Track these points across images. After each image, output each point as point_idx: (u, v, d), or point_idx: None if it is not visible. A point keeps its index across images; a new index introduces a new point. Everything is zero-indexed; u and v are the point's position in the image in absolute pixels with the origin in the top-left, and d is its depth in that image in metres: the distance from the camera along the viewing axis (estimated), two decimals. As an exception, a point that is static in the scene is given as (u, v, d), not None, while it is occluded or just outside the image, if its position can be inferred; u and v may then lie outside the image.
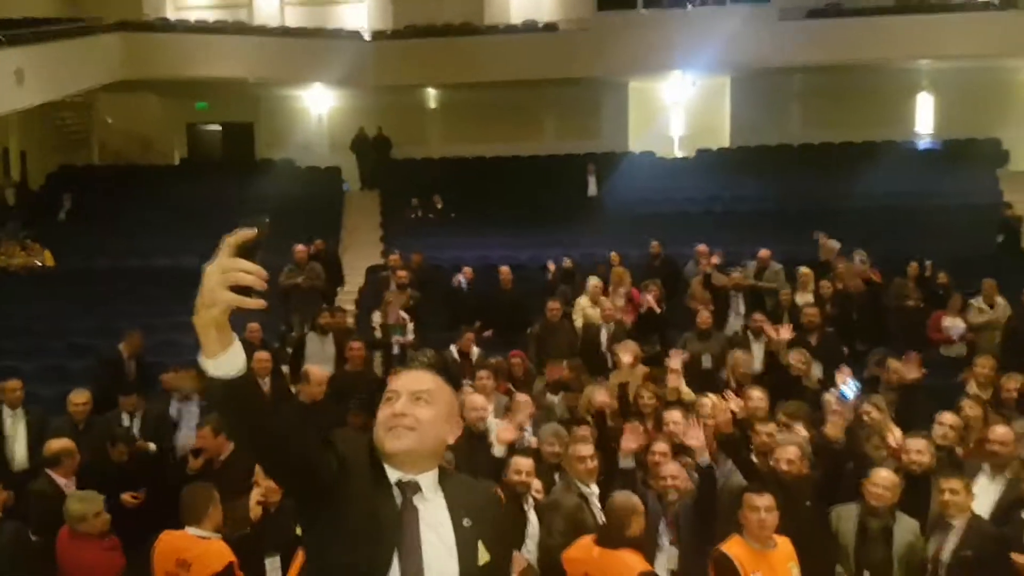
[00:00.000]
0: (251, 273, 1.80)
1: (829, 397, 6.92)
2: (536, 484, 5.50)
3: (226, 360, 1.86)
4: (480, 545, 2.17)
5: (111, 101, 19.67)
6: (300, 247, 11.40)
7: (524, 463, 5.26)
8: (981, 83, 18.13)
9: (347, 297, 13.46)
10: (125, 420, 7.44)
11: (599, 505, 5.38)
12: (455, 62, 18.59)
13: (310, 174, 18.95)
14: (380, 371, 9.23)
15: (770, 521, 4.63)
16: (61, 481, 6.17)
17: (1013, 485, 5.50)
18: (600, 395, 6.58)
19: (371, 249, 15.85)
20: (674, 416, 6.25)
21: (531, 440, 6.32)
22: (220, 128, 21.22)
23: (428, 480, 2.19)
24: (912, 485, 5.31)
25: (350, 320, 11.79)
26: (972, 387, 7.52)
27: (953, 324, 9.96)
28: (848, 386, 5.61)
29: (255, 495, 5.19)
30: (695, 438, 5.24)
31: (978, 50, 17.25)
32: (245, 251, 1.82)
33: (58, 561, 5.41)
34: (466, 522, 2.18)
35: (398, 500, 2.13)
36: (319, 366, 8.14)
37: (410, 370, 2.35)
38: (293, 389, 7.73)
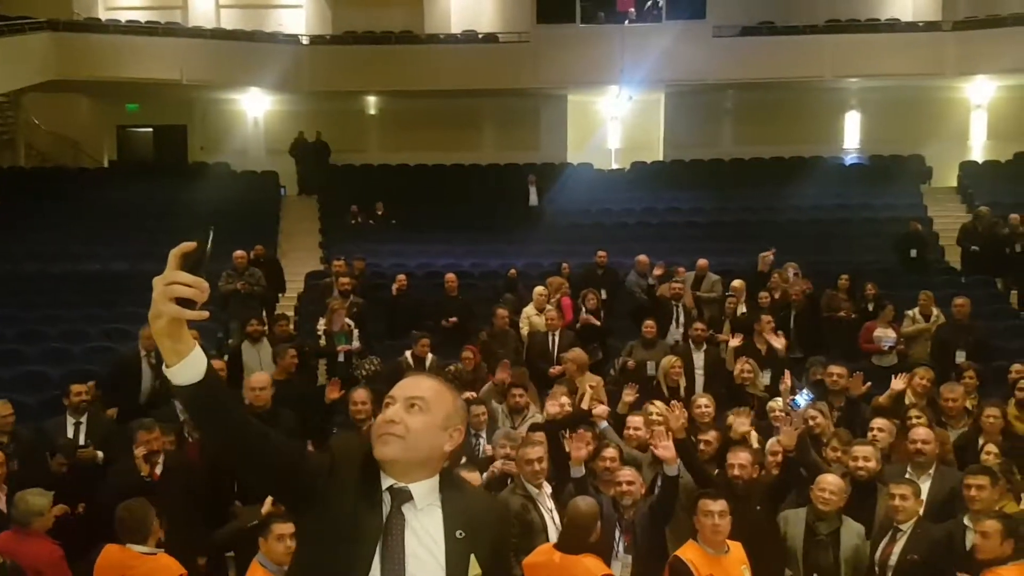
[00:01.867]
0: (191, 286, 1.84)
1: (773, 404, 7.11)
2: None
3: (184, 368, 1.91)
4: (472, 559, 2.15)
5: (38, 101, 19.11)
6: (240, 252, 11.17)
7: (470, 477, 5.28)
8: (906, 102, 18.84)
9: (286, 303, 13.29)
10: (70, 430, 7.20)
11: (550, 505, 5.47)
12: (394, 69, 18.57)
13: (246, 178, 18.67)
14: (325, 379, 9.12)
15: (724, 526, 4.74)
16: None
17: (938, 484, 5.74)
18: (552, 405, 6.64)
19: (310, 255, 15.67)
20: (635, 421, 6.35)
21: (486, 447, 6.36)
22: (151, 130, 20.76)
23: (422, 489, 2.17)
24: (858, 491, 5.50)
25: (290, 327, 11.67)
26: (908, 397, 7.76)
27: (884, 334, 10.27)
28: (801, 395, 5.74)
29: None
30: (666, 448, 5.31)
31: (905, 69, 17.96)
32: (190, 263, 1.87)
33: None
34: (459, 534, 2.15)
35: (386, 507, 2.12)
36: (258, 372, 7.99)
37: (412, 376, 2.33)
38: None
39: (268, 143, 19.86)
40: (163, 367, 1.92)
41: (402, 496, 2.14)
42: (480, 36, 19.69)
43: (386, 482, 2.15)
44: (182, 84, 18.22)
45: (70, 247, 14.97)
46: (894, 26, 19.03)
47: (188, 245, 1.88)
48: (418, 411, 2.16)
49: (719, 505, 4.73)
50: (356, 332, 9.74)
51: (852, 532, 5.33)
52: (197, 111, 20.32)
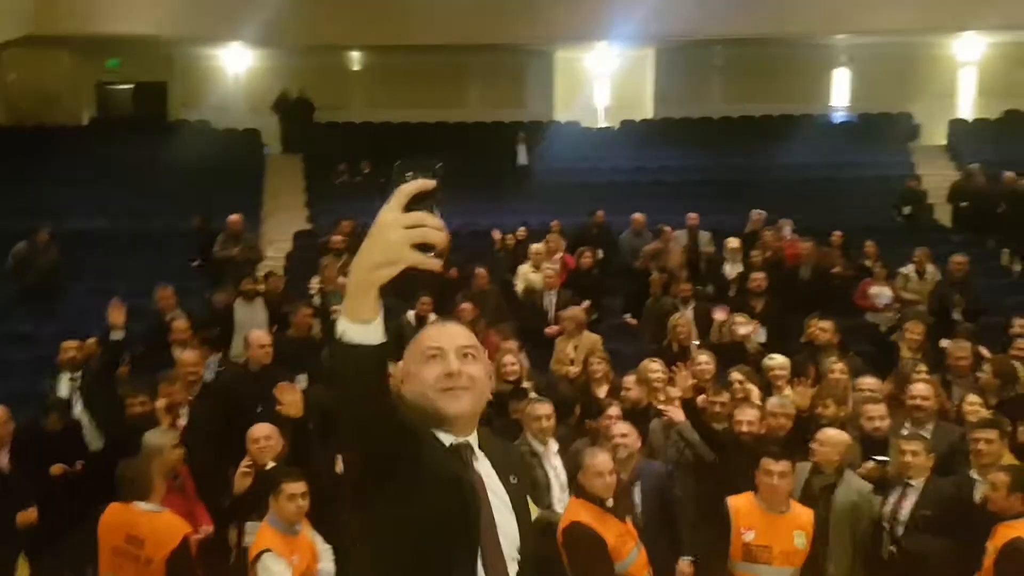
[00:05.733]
0: (439, 229, 1.65)
1: (770, 363, 7.06)
2: None
3: (377, 326, 1.71)
4: (528, 501, 2.14)
5: (16, 57, 18.62)
6: (235, 217, 10.87)
7: None
8: (895, 59, 18.71)
9: (274, 263, 13.11)
10: (62, 390, 7.13)
11: (555, 463, 5.50)
12: (379, 23, 18.10)
13: (227, 136, 18.33)
14: (319, 337, 9.01)
15: (782, 487, 4.72)
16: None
17: (937, 439, 5.72)
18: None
19: (295, 214, 15.50)
20: (627, 381, 6.42)
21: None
22: (132, 87, 20.35)
23: (475, 440, 2.10)
24: (868, 448, 5.50)
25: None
26: (904, 351, 7.78)
27: (880, 292, 10.25)
28: None
29: (242, 465, 5.06)
30: (676, 412, 5.32)
31: (896, 24, 17.71)
32: (426, 204, 1.64)
33: None
34: (512, 479, 2.12)
35: (462, 465, 2.04)
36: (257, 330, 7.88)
37: (442, 324, 2.22)
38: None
39: (250, 100, 19.48)
40: (344, 323, 1.69)
41: (468, 451, 2.07)
42: (466, -11, 19.31)
43: (446, 440, 2.05)
44: (162, 39, 17.80)
45: (50, 204, 14.67)
46: (886, -20, 18.83)
47: (425, 183, 1.65)
48: (472, 360, 2.07)
49: (780, 466, 4.72)
50: (350, 291, 9.62)
51: (851, 489, 5.26)
52: (177, 67, 19.92)
